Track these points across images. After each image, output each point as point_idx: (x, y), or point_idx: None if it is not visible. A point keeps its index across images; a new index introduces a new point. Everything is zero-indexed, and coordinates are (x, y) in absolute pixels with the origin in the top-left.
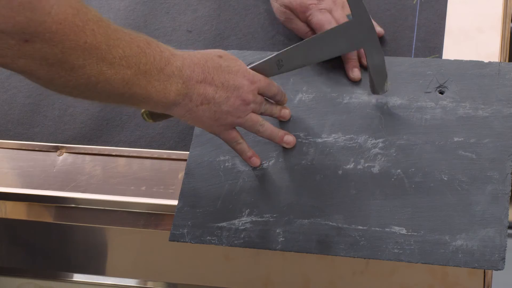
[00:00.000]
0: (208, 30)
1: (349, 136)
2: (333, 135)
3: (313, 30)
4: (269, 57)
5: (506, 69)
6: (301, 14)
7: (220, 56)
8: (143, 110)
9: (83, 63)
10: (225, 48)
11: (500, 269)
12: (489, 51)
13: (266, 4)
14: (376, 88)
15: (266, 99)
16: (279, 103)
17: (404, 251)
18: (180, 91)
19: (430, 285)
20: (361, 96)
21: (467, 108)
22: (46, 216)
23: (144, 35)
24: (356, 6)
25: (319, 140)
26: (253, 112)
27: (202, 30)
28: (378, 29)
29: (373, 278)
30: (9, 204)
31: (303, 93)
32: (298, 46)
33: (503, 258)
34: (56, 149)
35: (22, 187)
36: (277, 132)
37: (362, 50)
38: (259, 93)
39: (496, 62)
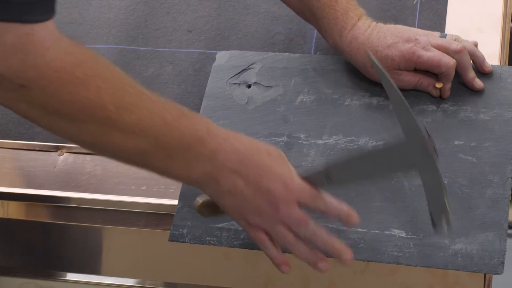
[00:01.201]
0: (209, 30)
1: (349, 138)
2: (334, 136)
3: (425, 71)
4: (318, 168)
5: (508, 72)
6: (406, 63)
7: (270, 154)
8: (197, 203)
9: (85, 120)
10: (225, 48)
11: (499, 273)
12: (489, 51)
13: (266, 4)
14: (434, 220)
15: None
16: (342, 220)
17: (404, 254)
18: (207, 174)
19: (430, 284)
20: (362, 98)
21: (468, 112)
22: (46, 216)
23: (184, 108)
24: (407, 124)
25: (320, 141)
26: (286, 227)
27: (202, 30)
28: (470, 46)
29: (374, 278)
30: (9, 204)
31: (304, 94)
32: (350, 160)
33: (502, 262)
34: (56, 149)
35: (23, 187)
36: (312, 257)
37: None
38: (301, 205)
39: (497, 66)
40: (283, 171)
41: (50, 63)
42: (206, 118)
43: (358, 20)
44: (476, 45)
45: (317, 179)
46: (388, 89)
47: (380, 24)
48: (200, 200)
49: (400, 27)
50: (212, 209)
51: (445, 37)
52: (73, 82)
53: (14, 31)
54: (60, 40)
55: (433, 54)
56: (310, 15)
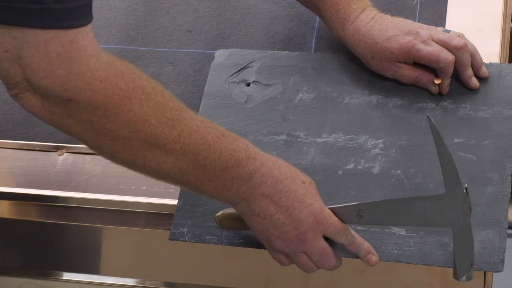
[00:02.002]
0: (209, 30)
1: (349, 136)
2: (334, 135)
3: (425, 67)
4: (350, 203)
5: (507, 70)
6: (405, 56)
7: (304, 182)
8: (218, 216)
9: (128, 135)
10: (225, 47)
11: (499, 271)
12: (489, 51)
13: (266, 4)
14: (457, 272)
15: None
16: (361, 257)
17: (404, 252)
18: (240, 195)
19: (430, 284)
20: (362, 96)
21: (468, 109)
22: (46, 216)
23: (223, 129)
24: (450, 179)
25: (319, 140)
26: (307, 255)
27: (202, 30)
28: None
29: (373, 277)
30: (9, 204)
31: (303, 92)
32: (384, 203)
33: (502, 260)
34: (56, 149)
35: (23, 187)
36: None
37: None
38: (325, 237)
39: (496, 63)
40: (314, 201)
41: (94, 73)
42: (244, 139)
43: (362, 12)
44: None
45: (347, 214)
46: (438, 145)
47: (386, 16)
48: (221, 213)
49: (405, 21)
50: (233, 222)
51: (449, 33)
52: (117, 94)
53: (57, 40)
54: (98, 48)
55: (432, 49)
56: (314, 8)
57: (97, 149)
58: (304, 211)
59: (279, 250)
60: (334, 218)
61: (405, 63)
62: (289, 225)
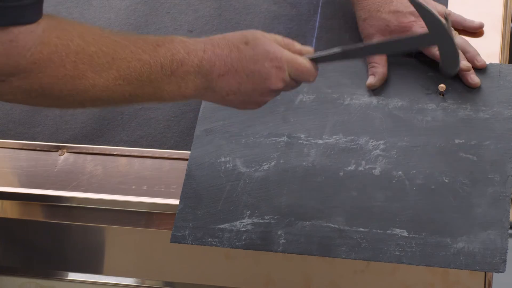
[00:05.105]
0: (209, 30)
1: (350, 138)
2: (334, 136)
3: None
4: (335, 49)
5: (507, 70)
6: (399, 34)
7: (247, 43)
8: None
9: (68, 93)
10: None
11: (501, 272)
12: (489, 51)
13: (266, 3)
14: (444, 70)
15: None
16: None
17: (406, 253)
18: (199, 86)
19: (431, 283)
20: (362, 98)
21: (468, 110)
22: (47, 216)
23: (156, 38)
24: (429, 20)
25: (320, 141)
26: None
27: (203, 30)
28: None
29: (374, 277)
30: (10, 203)
31: (304, 94)
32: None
33: (504, 261)
34: (57, 148)
35: (23, 186)
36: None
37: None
38: (292, 78)
39: (497, 64)
40: (267, 54)
41: (29, 59)
42: (180, 36)
43: None
44: (481, 25)
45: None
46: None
47: None
48: None
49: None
50: None
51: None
52: (51, 67)
53: None
54: (39, 34)
55: None
56: None
57: (43, 108)
58: (262, 68)
59: (264, 102)
60: (293, 58)
61: None
62: (258, 88)
